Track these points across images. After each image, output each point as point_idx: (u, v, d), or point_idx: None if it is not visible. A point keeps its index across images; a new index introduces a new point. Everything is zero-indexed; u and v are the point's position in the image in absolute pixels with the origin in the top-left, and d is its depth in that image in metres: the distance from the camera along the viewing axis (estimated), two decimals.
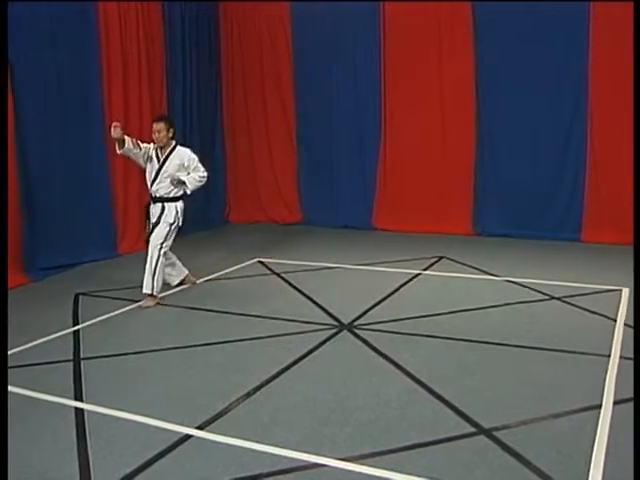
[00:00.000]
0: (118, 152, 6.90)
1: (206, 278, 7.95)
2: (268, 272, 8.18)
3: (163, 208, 6.95)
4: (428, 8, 10.18)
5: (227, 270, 8.23)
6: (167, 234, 6.91)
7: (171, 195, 6.96)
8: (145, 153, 6.97)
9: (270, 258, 8.77)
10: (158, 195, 6.97)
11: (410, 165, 10.69)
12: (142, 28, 9.83)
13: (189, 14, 10.83)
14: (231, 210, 12.16)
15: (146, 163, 7.03)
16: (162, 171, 6.91)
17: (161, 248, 6.87)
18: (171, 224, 6.94)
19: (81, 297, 7.21)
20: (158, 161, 6.95)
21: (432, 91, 10.40)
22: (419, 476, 3.47)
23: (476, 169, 10.31)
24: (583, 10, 9.18)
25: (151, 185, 7.00)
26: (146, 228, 7.10)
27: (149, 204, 7.10)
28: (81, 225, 8.82)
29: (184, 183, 6.89)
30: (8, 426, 4.13)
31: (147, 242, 7.01)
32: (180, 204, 7.03)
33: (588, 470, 3.49)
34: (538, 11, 9.42)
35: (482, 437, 3.89)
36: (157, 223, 6.95)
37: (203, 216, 11.30)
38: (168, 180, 6.88)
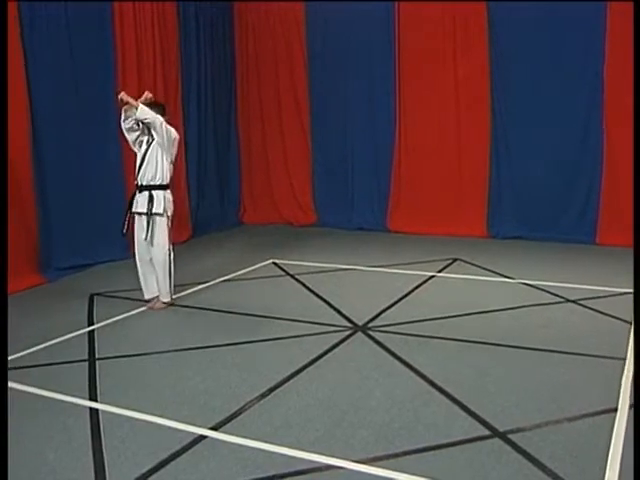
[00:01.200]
0: (123, 121, 6.61)
1: (221, 279, 7.96)
2: (282, 273, 8.18)
3: (151, 197, 6.60)
4: (443, 8, 10.15)
5: (241, 271, 8.24)
6: (168, 234, 6.71)
7: (157, 182, 6.62)
8: (139, 135, 6.71)
9: (284, 259, 8.77)
10: (145, 183, 6.63)
11: (424, 167, 10.66)
12: (157, 28, 9.86)
13: (204, 14, 10.86)
14: (245, 211, 12.17)
15: (136, 147, 6.77)
16: (148, 154, 6.62)
17: (169, 253, 6.75)
18: (163, 217, 6.63)
19: (96, 297, 7.24)
20: (147, 145, 6.69)
21: (447, 92, 10.38)
22: (433, 479, 3.46)
23: (491, 171, 10.27)
24: (600, 9, 9.10)
25: (138, 171, 6.67)
26: (125, 217, 6.72)
27: (134, 195, 6.74)
28: (96, 226, 8.85)
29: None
30: (23, 426, 4.18)
31: (124, 234, 6.76)
32: (168, 194, 6.73)
33: (604, 474, 3.47)
34: (553, 11, 9.36)
35: (497, 440, 3.88)
36: (145, 214, 6.58)
37: (218, 217, 11.34)
38: (154, 165, 6.61)
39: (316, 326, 6.13)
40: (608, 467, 3.54)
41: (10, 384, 4.84)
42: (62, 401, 4.57)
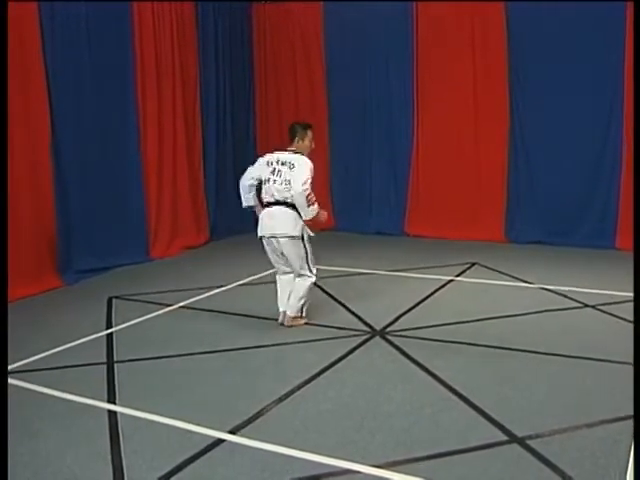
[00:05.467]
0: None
1: (238, 282, 7.97)
2: None
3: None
4: (461, 8, 10.12)
5: (259, 275, 8.24)
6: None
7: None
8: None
9: None
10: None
11: (443, 170, 10.63)
12: (175, 28, 9.89)
13: (222, 15, 10.87)
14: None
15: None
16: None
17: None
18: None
19: (114, 300, 7.26)
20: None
21: (465, 94, 10.34)
22: None
23: (509, 175, 10.23)
24: (620, 9, 9.02)
25: None
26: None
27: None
28: (115, 230, 8.89)
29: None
30: (42, 428, 4.19)
31: None
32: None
33: None
34: (572, 11, 9.29)
35: (515, 446, 3.86)
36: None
37: (235, 221, 11.32)
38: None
39: (334, 330, 6.13)
40: (628, 474, 3.51)
41: (29, 386, 4.88)
42: (81, 403, 4.59)
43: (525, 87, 9.90)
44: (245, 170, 6.62)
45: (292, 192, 6.02)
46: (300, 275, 6.28)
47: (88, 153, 8.55)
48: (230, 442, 3.99)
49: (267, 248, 6.32)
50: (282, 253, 6.24)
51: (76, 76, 8.35)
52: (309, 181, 6.08)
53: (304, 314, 6.36)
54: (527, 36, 9.72)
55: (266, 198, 6.23)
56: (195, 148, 10.47)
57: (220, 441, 3.99)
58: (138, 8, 9.17)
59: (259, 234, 6.30)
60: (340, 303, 7.04)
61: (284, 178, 6.08)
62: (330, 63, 11.30)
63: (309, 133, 6.45)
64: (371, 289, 7.66)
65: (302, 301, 6.29)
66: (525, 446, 3.84)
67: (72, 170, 8.32)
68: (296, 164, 6.09)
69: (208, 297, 7.39)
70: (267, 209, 6.21)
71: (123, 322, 6.46)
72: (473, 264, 8.70)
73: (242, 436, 4.06)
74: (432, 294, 7.34)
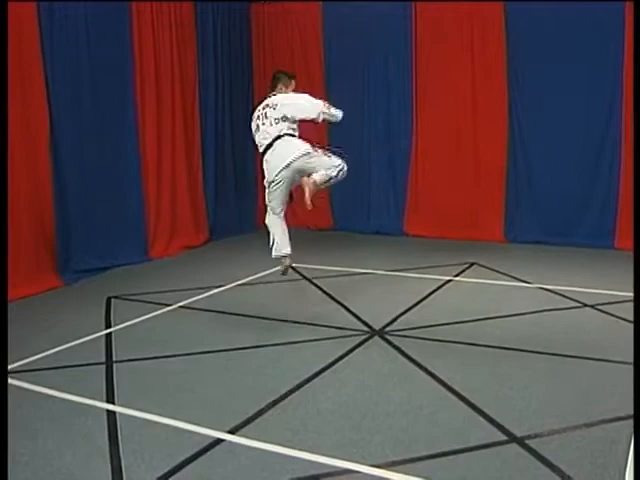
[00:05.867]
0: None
1: (237, 282, 7.97)
2: (299, 277, 8.18)
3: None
4: (460, 9, 10.12)
5: (258, 275, 8.24)
6: None
7: None
8: None
9: (301, 263, 8.74)
10: None
11: (441, 170, 10.63)
12: (174, 28, 9.87)
13: (221, 15, 10.87)
14: (262, 215, 12.13)
15: None
16: None
17: None
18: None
19: (113, 300, 7.26)
20: None
21: (464, 94, 10.33)
22: None
23: (508, 175, 10.22)
24: (619, 9, 9.02)
25: None
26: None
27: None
28: (114, 229, 8.89)
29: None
30: (40, 428, 4.19)
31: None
32: None
33: None
34: (571, 10, 9.28)
35: (514, 445, 3.86)
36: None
37: (235, 221, 11.34)
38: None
39: (333, 330, 6.13)
40: (627, 474, 3.51)
41: (27, 386, 4.88)
42: (79, 403, 4.58)
43: (524, 87, 9.89)
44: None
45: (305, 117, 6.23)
46: (337, 170, 6.31)
47: (87, 153, 8.54)
48: (229, 442, 3.99)
49: (277, 187, 6.27)
50: (307, 174, 6.20)
51: (75, 76, 8.33)
52: (314, 99, 6.34)
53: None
54: (526, 36, 9.70)
55: (263, 142, 6.25)
56: (194, 148, 10.47)
57: (219, 441, 3.99)
58: (137, 8, 9.14)
59: (270, 177, 6.24)
60: (339, 303, 7.04)
61: (272, 117, 6.18)
62: (329, 63, 11.29)
63: (293, 82, 6.53)
64: (370, 289, 7.66)
65: (328, 178, 6.27)
66: (524, 446, 3.84)
67: (71, 170, 8.30)
68: (281, 103, 6.23)
69: (207, 297, 7.39)
70: (269, 150, 6.22)
71: (122, 322, 6.46)
72: (472, 264, 8.70)
73: (241, 436, 4.05)
74: (431, 294, 7.34)
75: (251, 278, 8.17)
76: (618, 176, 9.46)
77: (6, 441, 3.30)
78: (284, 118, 6.19)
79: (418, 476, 3.53)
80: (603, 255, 9.11)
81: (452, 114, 10.45)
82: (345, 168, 6.31)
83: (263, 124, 6.25)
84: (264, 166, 6.31)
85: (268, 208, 6.50)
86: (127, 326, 6.36)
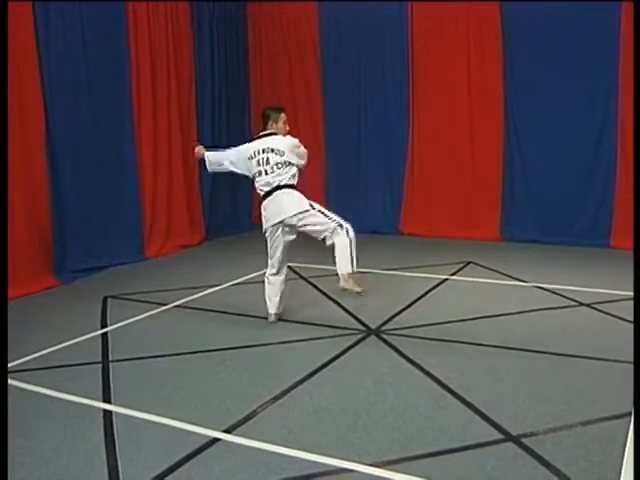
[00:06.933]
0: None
1: (233, 282, 7.97)
2: (295, 276, 8.17)
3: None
4: (456, 9, 10.13)
5: (253, 274, 8.23)
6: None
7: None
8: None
9: (297, 262, 8.74)
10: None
11: (437, 169, 10.63)
12: (171, 28, 9.88)
13: (217, 15, 10.87)
14: (258, 214, 12.13)
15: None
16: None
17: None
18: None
19: (109, 300, 7.26)
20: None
21: (460, 93, 10.34)
22: None
23: (504, 174, 10.23)
24: (614, 8, 9.04)
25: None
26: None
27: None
28: (110, 229, 8.90)
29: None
30: (37, 428, 4.19)
31: None
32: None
33: (618, 479, 3.45)
34: (567, 11, 9.29)
35: (510, 444, 3.86)
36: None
37: (231, 220, 11.35)
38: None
39: (329, 329, 6.13)
40: (623, 472, 3.51)
41: (24, 385, 4.87)
42: (76, 403, 4.58)
43: (520, 86, 9.89)
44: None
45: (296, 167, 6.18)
46: (333, 235, 6.08)
47: (83, 152, 8.54)
48: (225, 441, 3.99)
49: (274, 239, 6.21)
50: (298, 232, 6.16)
51: (71, 76, 8.33)
52: (300, 146, 6.28)
53: (355, 267, 6.00)
54: (522, 36, 9.71)
55: (263, 189, 6.15)
56: (190, 147, 10.44)
57: (215, 440, 3.99)
58: (133, 8, 9.15)
59: (266, 225, 6.19)
60: (335, 302, 7.04)
61: (274, 165, 6.08)
62: (325, 63, 11.29)
63: (282, 116, 6.34)
64: (366, 288, 7.64)
65: (347, 253, 6.03)
66: (520, 444, 3.85)
67: (67, 169, 8.31)
68: (283, 148, 6.13)
69: (203, 296, 7.39)
70: (268, 198, 6.13)
71: (118, 321, 6.46)
72: (468, 263, 8.70)
73: (237, 435, 4.05)
74: (427, 293, 7.34)
75: (247, 277, 8.16)
76: (614, 175, 9.47)
77: (6, 441, 3.30)
78: (287, 163, 6.10)
79: (414, 475, 3.53)
80: (599, 254, 9.12)
81: (448, 113, 10.46)
82: (349, 226, 6.15)
83: (265, 172, 6.09)
84: (262, 212, 6.27)
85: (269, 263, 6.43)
86: (123, 325, 6.36)
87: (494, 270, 8.26)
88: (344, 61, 11.13)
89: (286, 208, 6.06)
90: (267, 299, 6.42)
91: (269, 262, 6.37)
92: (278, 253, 6.28)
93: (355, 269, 6.02)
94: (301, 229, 6.14)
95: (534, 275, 7.91)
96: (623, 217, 9.34)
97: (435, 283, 7.72)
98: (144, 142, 9.49)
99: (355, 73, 11.09)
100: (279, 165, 6.07)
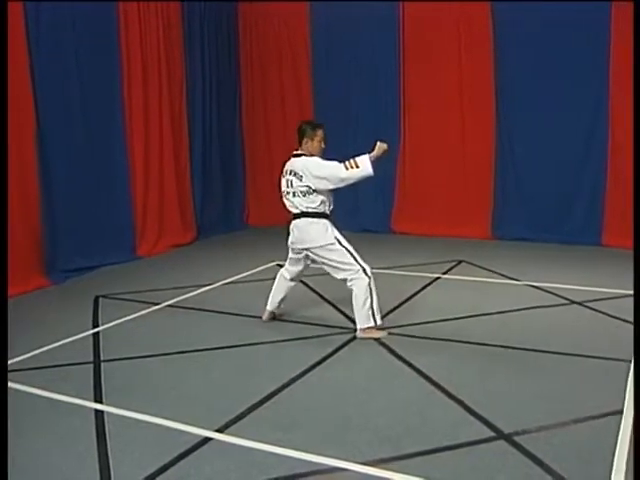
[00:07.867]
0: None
1: (225, 281, 7.96)
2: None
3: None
4: (447, 8, 10.15)
5: (246, 273, 8.23)
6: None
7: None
8: None
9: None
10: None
11: (429, 168, 10.65)
12: (162, 29, 9.87)
13: (208, 15, 10.87)
14: (250, 213, 12.17)
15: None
16: None
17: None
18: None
19: (101, 299, 7.24)
20: None
21: (451, 93, 10.37)
22: None
23: (496, 173, 10.26)
24: (604, 10, 9.08)
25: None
26: None
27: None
28: (101, 228, 8.88)
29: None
30: (29, 427, 4.18)
31: None
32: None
33: (609, 476, 3.46)
34: (558, 11, 9.33)
35: (502, 442, 3.87)
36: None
37: (223, 219, 11.35)
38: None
39: (321, 328, 6.13)
40: (614, 469, 3.52)
41: (16, 386, 4.85)
42: (67, 403, 4.57)
43: (511, 86, 9.92)
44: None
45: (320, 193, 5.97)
46: (351, 280, 5.90)
47: (74, 152, 8.52)
48: (217, 440, 3.98)
49: (293, 255, 6.13)
50: (318, 262, 6.01)
51: (62, 76, 8.31)
52: (331, 164, 6.00)
53: (378, 320, 5.83)
54: (513, 36, 9.75)
55: (291, 210, 6.00)
56: (182, 147, 10.46)
57: (207, 440, 3.98)
58: (124, 8, 9.13)
59: (289, 241, 6.05)
60: (327, 301, 7.05)
61: (297, 190, 5.88)
62: (316, 62, 11.31)
63: (319, 133, 6.09)
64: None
65: (367, 304, 5.80)
66: (512, 442, 3.85)
67: (58, 169, 8.28)
68: (301, 172, 5.87)
69: (195, 296, 7.37)
70: (294, 221, 5.97)
71: (110, 321, 6.44)
72: (460, 261, 8.71)
73: (229, 434, 4.05)
74: (419, 292, 7.35)
75: (239, 276, 8.16)
76: (605, 173, 9.51)
77: (6, 441, 3.29)
78: (310, 189, 5.89)
79: (407, 473, 3.53)
80: (591, 252, 9.15)
81: (440, 112, 10.48)
82: (368, 278, 5.93)
83: (292, 194, 5.91)
84: (290, 230, 6.05)
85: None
86: (115, 325, 6.35)
87: (486, 268, 8.27)
88: (335, 61, 11.14)
89: (306, 239, 5.91)
90: (271, 295, 6.37)
91: (286, 264, 6.32)
92: (299, 267, 6.23)
93: (379, 321, 5.86)
94: (322, 263, 5.99)
95: (526, 273, 7.92)
96: (614, 215, 9.39)
97: (427, 282, 7.73)
98: (135, 141, 9.48)
99: (346, 73, 11.10)
100: (302, 191, 5.88)
